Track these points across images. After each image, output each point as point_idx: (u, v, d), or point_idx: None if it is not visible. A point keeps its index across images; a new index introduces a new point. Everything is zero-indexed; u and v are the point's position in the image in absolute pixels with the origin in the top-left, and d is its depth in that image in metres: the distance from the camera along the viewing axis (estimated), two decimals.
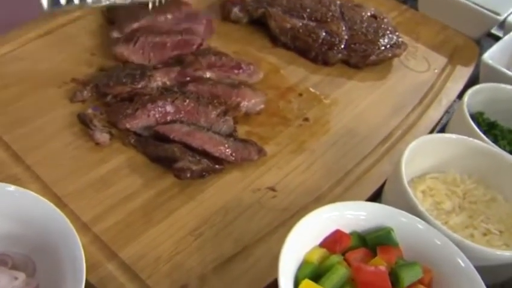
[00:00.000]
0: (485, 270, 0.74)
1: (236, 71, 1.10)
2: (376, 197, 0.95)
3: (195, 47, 1.14)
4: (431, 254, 0.76)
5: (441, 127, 1.15)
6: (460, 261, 0.74)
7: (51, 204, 0.75)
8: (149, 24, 1.15)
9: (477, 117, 1.07)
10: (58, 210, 0.74)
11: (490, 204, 0.90)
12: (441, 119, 1.16)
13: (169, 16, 1.18)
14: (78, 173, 0.89)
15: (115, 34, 1.12)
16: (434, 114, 1.15)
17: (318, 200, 0.92)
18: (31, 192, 0.76)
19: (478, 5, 1.38)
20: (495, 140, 1.01)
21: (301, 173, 0.97)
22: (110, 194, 0.88)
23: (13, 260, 0.74)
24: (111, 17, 1.19)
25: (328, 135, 1.06)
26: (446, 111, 1.18)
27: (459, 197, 0.91)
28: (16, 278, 0.70)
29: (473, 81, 1.23)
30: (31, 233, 0.75)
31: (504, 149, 0.97)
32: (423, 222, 0.78)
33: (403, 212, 0.79)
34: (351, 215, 0.79)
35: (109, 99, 1.01)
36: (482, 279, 0.72)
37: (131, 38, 1.10)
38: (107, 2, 1.14)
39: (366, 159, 1.02)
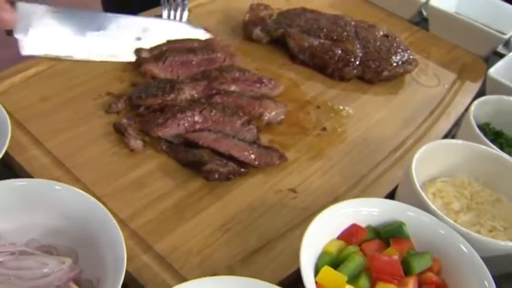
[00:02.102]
0: (491, 261, 0.79)
1: (258, 85, 1.17)
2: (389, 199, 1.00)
3: (218, 64, 1.22)
4: (437, 244, 0.81)
5: (451, 137, 1.19)
6: (463, 247, 0.79)
7: (95, 200, 0.80)
8: (177, 45, 1.24)
9: (484, 128, 1.12)
10: (101, 205, 0.80)
11: (495, 204, 0.96)
12: (450, 130, 1.21)
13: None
14: (115, 176, 0.96)
15: (144, 54, 1.21)
16: (444, 125, 1.21)
17: (335, 201, 0.95)
18: (77, 189, 0.81)
19: (485, 25, 1.46)
20: (501, 148, 1.05)
21: (320, 177, 1.03)
22: (144, 194, 0.94)
23: (58, 251, 0.80)
24: None
25: (344, 143, 1.11)
26: (455, 124, 1.23)
27: (467, 199, 0.96)
28: (63, 262, 0.76)
29: (480, 96, 1.27)
30: (75, 227, 0.80)
31: (510, 155, 1.02)
32: (428, 215, 0.83)
33: (411, 207, 0.85)
34: (366, 211, 0.85)
35: (141, 110, 1.07)
36: (488, 270, 0.76)
37: (160, 57, 1.18)
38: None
39: (380, 165, 1.07)
